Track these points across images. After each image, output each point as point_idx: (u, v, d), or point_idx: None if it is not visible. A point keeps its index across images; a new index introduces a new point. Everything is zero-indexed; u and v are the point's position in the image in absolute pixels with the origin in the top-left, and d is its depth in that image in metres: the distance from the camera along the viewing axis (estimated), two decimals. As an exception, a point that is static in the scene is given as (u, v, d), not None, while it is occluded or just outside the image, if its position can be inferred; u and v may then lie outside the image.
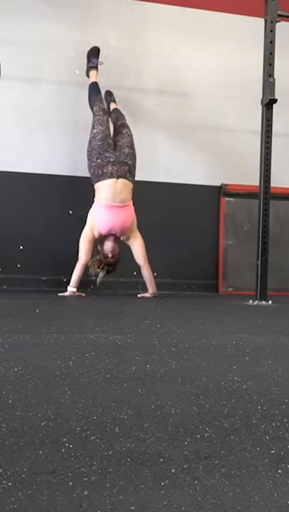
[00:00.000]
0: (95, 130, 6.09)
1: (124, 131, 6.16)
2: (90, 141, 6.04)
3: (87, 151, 6.04)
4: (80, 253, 5.84)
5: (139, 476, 1.01)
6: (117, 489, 0.95)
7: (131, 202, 5.89)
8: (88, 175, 6.01)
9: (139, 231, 5.87)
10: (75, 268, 5.82)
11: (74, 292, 5.78)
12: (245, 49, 7.25)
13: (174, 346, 2.52)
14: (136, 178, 5.99)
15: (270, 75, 5.65)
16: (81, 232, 5.82)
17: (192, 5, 7.19)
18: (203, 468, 1.06)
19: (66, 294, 5.77)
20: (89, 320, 3.57)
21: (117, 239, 5.81)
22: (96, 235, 5.81)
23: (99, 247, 5.82)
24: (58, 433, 1.24)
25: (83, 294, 5.79)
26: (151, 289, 5.92)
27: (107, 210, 5.78)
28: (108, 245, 5.75)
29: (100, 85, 6.47)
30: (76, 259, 5.82)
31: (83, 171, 6.33)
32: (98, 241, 5.84)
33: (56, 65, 6.78)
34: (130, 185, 5.89)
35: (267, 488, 0.99)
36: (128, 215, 5.84)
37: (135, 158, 6.04)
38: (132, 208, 5.89)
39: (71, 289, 5.80)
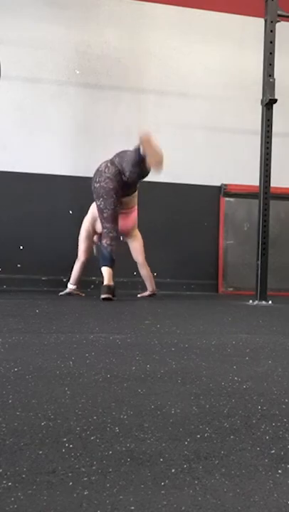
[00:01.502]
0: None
1: None
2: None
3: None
4: (79, 251, 5.90)
5: (139, 476, 1.01)
6: (117, 489, 0.95)
7: (136, 205, 5.87)
8: (88, 175, 6.00)
9: (140, 231, 5.87)
10: (75, 266, 5.89)
11: (73, 289, 5.85)
12: (245, 49, 7.26)
13: (174, 346, 2.52)
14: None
15: (270, 75, 5.65)
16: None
17: (192, 5, 7.19)
18: (203, 468, 1.06)
19: (66, 291, 5.86)
20: (89, 320, 3.57)
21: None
22: (98, 229, 5.81)
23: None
24: (58, 433, 1.24)
25: (83, 294, 5.80)
26: (150, 287, 5.95)
27: None
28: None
29: (100, 84, 6.49)
30: (76, 258, 5.82)
31: (83, 171, 6.34)
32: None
33: (56, 65, 6.79)
34: (136, 192, 5.81)
35: (267, 488, 0.99)
36: (133, 217, 5.83)
37: None
38: (136, 209, 5.88)
39: (71, 286, 5.87)
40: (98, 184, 5.49)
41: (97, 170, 5.62)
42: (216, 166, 7.21)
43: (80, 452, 1.12)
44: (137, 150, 5.38)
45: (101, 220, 5.56)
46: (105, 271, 5.52)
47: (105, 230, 5.54)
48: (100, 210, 5.53)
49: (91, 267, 6.42)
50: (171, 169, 7.03)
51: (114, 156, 5.62)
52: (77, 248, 5.85)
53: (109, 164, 5.54)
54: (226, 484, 0.99)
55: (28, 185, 6.65)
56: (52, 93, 6.76)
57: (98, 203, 5.53)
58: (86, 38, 6.88)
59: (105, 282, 5.47)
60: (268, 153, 5.74)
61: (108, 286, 5.43)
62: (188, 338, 2.79)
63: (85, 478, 0.99)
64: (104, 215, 5.50)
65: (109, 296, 5.37)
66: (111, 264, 5.55)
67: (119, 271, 5.86)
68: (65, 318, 3.60)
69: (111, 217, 5.51)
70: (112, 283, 5.49)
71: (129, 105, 6.83)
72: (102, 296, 5.37)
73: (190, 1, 7.21)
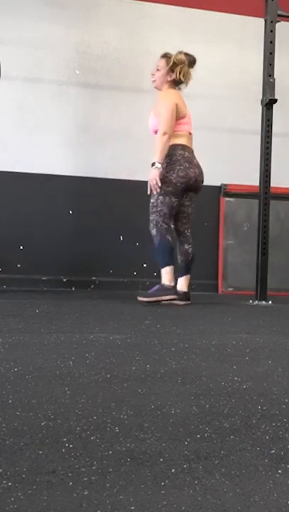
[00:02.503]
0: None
1: None
2: None
3: None
4: (163, 125, 5.19)
5: (139, 476, 1.01)
6: (117, 489, 0.95)
7: None
8: (88, 175, 5.98)
9: (139, 231, 5.79)
10: (160, 140, 5.17)
11: (160, 169, 5.15)
12: (245, 49, 7.26)
13: (174, 346, 2.53)
14: (137, 178, 5.99)
15: (270, 75, 5.66)
16: (82, 231, 5.80)
17: (192, 5, 7.19)
18: (203, 468, 1.07)
19: (153, 173, 5.16)
20: (89, 320, 3.57)
21: None
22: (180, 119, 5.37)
23: None
24: (58, 433, 1.24)
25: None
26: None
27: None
28: None
29: (100, 84, 6.48)
30: (77, 259, 5.80)
31: (83, 171, 6.34)
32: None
33: (56, 65, 6.79)
34: None
35: (267, 488, 0.99)
36: None
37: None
38: None
39: (158, 165, 5.14)
40: (183, 186, 5.24)
41: (190, 172, 5.28)
42: (216, 166, 7.21)
43: (80, 452, 1.12)
44: None
45: (166, 214, 5.26)
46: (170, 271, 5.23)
47: (166, 227, 5.27)
48: (171, 207, 5.26)
49: (91, 266, 6.43)
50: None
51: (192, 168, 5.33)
52: (76, 247, 5.84)
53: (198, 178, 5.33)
54: (226, 484, 1.00)
55: (28, 185, 6.65)
56: (52, 93, 6.77)
57: (173, 200, 5.24)
58: (86, 38, 6.88)
59: (183, 289, 5.38)
60: (267, 153, 5.75)
61: (187, 293, 5.39)
62: (189, 338, 2.80)
63: (85, 478, 0.99)
64: (173, 212, 5.31)
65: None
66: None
67: (120, 271, 5.86)
68: (65, 318, 3.60)
69: (173, 217, 5.38)
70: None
71: (129, 105, 6.83)
72: (184, 302, 5.26)
73: (190, 1, 7.21)
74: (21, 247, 6.57)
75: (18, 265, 6.54)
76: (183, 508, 0.89)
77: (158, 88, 5.44)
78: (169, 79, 5.37)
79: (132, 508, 0.89)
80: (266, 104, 5.69)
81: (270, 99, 5.65)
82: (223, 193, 7.24)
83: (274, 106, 5.73)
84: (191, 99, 7.25)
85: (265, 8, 5.76)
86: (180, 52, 5.36)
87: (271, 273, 5.90)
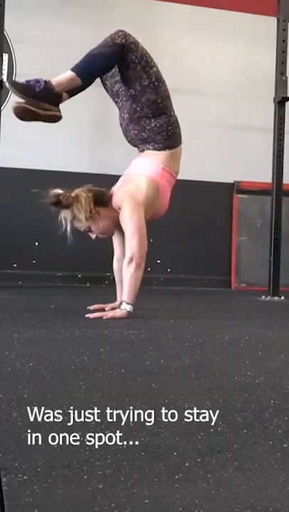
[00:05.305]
0: (155, 69, 3.98)
1: None
2: (156, 88, 3.88)
3: (155, 102, 3.88)
4: (136, 249, 3.68)
5: (153, 470, 1.02)
6: (131, 482, 0.96)
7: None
8: (103, 172, 5.97)
9: (155, 227, 4.83)
10: (133, 275, 3.57)
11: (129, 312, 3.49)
12: (257, 47, 7.24)
13: (188, 341, 2.53)
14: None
15: (282, 73, 5.65)
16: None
17: (206, 4, 7.18)
18: (217, 462, 1.07)
19: (122, 314, 3.44)
20: (103, 316, 3.58)
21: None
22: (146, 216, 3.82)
23: (104, 218, 4.05)
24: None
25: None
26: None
27: (170, 189, 4.20)
28: (112, 228, 4.15)
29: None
30: (92, 255, 5.80)
31: (98, 169, 6.34)
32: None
33: (71, 63, 6.78)
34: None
35: (279, 481, 1.00)
36: None
37: None
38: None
39: (130, 307, 3.50)
40: None
41: None
42: (229, 163, 7.20)
43: (95, 446, 1.13)
44: None
45: None
46: None
47: None
48: None
49: (106, 262, 6.44)
50: (184, 166, 7.04)
51: None
52: (91, 244, 5.84)
53: None
54: (239, 478, 1.01)
55: (43, 182, 6.63)
56: (65, 90, 6.78)
57: None
58: (100, 37, 6.86)
59: None
60: (280, 151, 5.74)
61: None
62: (202, 334, 2.80)
63: (100, 472, 1.00)
64: None
65: None
66: None
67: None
68: (80, 314, 3.61)
69: None
70: None
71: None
72: None
73: (203, 0, 7.20)
74: (37, 244, 6.58)
75: (34, 261, 6.56)
76: (196, 501, 0.90)
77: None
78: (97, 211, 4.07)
79: (146, 501, 0.90)
80: (279, 102, 5.68)
81: (282, 97, 5.64)
82: (236, 190, 7.23)
83: (286, 104, 5.73)
84: (204, 98, 7.26)
85: (278, 7, 5.75)
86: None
87: (284, 269, 5.90)
